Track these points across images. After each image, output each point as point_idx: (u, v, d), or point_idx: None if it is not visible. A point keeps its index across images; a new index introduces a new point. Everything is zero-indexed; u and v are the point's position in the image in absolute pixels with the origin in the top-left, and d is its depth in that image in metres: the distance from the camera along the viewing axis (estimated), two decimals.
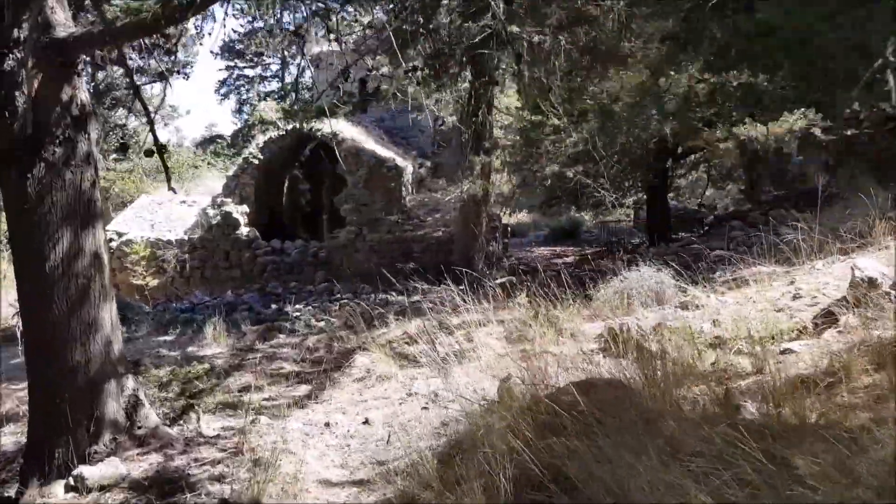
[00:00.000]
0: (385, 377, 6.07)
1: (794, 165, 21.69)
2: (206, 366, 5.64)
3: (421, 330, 7.64)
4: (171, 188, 4.47)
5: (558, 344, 6.21)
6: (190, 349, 8.66)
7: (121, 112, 32.31)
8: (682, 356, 4.82)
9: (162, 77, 5.03)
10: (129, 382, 4.03)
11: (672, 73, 7.78)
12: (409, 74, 5.82)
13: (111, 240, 14.92)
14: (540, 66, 8.83)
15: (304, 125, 13.80)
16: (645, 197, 14.49)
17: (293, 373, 6.98)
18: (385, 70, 6.69)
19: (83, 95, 3.75)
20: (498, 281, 10.23)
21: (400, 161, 14.46)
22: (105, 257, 3.95)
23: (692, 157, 17.84)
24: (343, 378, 6.35)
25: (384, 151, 14.63)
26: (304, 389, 6.28)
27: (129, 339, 9.57)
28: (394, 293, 10.15)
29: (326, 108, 8.07)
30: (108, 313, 3.91)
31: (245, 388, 6.54)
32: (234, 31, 34.60)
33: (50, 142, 3.57)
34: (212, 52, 34.50)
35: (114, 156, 30.50)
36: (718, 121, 7.90)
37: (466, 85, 8.68)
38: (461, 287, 10.01)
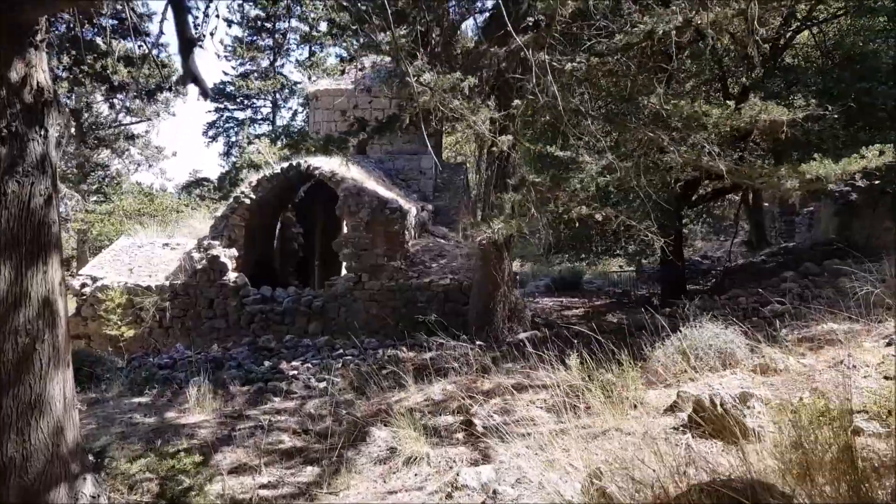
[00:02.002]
0: (414, 459, 4.89)
1: (802, 216, 21.11)
2: (196, 457, 4.38)
3: (448, 395, 6.48)
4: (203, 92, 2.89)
5: (624, 417, 5.10)
6: (169, 415, 7.39)
7: (105, 154, 31.27)
8: (800, 439, 3.73)
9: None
10: (88, 486, 2.85)
11: (728, 102, 6.94)
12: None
13: (84, 285, 13.64)
14: (572, 94, 7.98)
15: (303, 162, 12.85)
16: (661, 245, 13.59)
17: (295, 449, 5.77)
18: (428, 77, 5.71)
19: (42, 77, 2.70)
20: (521, 336, 9.15)
21: (403, 203, 13.49)
22: (61, 305, 2.83)
23: (698, 206, 17.16)
24: (359, 458, 5.15)
25: (386, 193, 13.67)
26: (311, 473, 5.07)
27: (97, 401, 8.26)
28: (404, 348, 8.99)
29: (334, 139, 7.07)
30: (61, 386, 2.76)
31: (237, 469, 5.32)
32: (225, 73, 34.02)
33: None
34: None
35: (94, 197, 29.29)
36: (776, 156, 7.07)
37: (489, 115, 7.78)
38: (482, 342, 8.90)
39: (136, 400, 8.19)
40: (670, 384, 5.92)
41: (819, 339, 6.25)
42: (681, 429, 4.66)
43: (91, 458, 3.20)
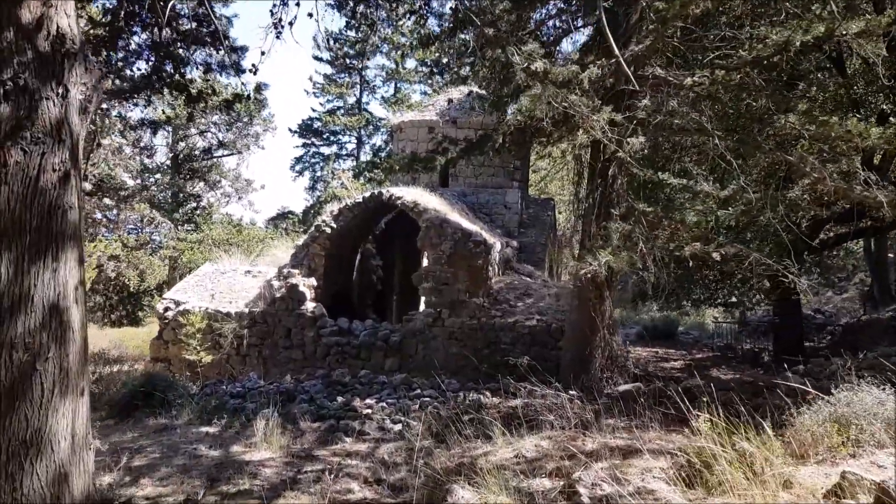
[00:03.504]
0: None
1: None
2: None
3: (542, 453, 5.55)
4: None
5: (774, 498, 4.02)
6: (234, 448, 6.84)
7: (201, 186, 32.43)
8: None
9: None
10: None
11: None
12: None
13: (167, 308, 13.58)
14: (690, 112, 7.06)
15: (385, 192, 12.41)
16: (803, 289, 12.13)
17: (365, 502, 5.01)
18: (539, 65, 4.95)
19: (64, 22, 2.16)
20: (622, 387, 8.08)
21: (487, 237, 12.75)
22: (75, 315, 2.22)
23: (815, 254, 15.46)
24: None
25: (469, 225, 12.99)
26: None
27: (166, 428, 7.86)
28: (487, 392, 8.12)
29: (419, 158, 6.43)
30: (68, 420, 2.13)
31: None
32: (313, 110, 34.95)
33: None
34: (290, 129, 34.74)
35: (186, 227, 30.26)
36: None
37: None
38: (576, 392, 7.90)
39: (204, 429, 7.74)
40: (824, 460, 4.78)
41: None
42: None
43: None
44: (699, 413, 5.34)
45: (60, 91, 2.16)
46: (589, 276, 6.58)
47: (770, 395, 8.01)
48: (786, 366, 10.17)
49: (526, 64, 4.93)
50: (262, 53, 3.86)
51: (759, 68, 7.28)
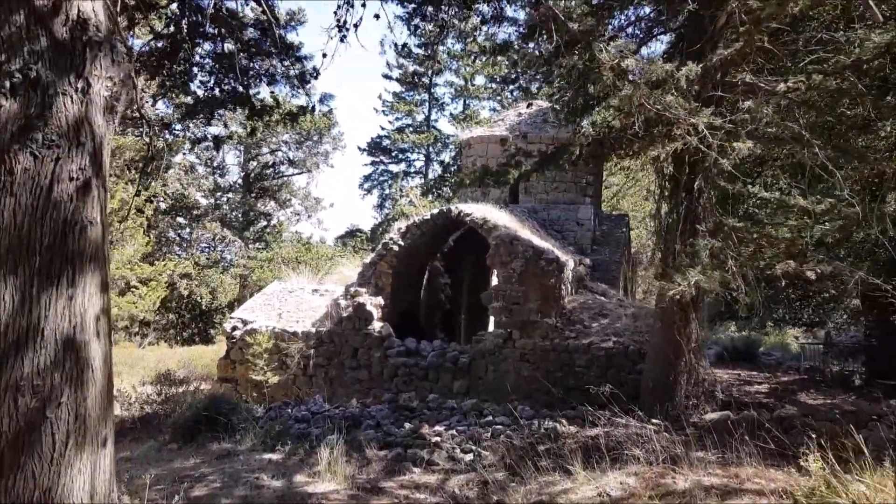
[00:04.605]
0: None
1: None
2: None
3: (628, 492, 4.99)
4: None
5: None
6: (297, 478, 6.57)
7: (272, 205, 33.12)
8: None
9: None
10: None
11: None
12: None
13: (235, 328, 13.61)
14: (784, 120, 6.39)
15: (454, 208, 12.08)
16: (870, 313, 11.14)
17: None
18: (631, 62, 4.47)
19: (88, 6, 1.87)
20: (709, 416, 7.37)
21: (560, 254, 12.19)
22: (96, 351, 1.91)
23: None
24: None
25: (541, 243, 12.47)
26: None
27: (228, 454, 7.69)
28: (563, 420, 7.56)
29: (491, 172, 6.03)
30: (85, 477, 1.81)
31: None
32: (382, 128, 35.26)
33: None
34: (359, 147, 35.15)
35: (256, 245, 30.90)
36: None
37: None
38: (660, 422, 7.27)
39: (267, 456, 7.53)
40: None
41: None
42: None
43: None
44: (807, 451, 4.72)
45: (80, 86, 1.87)
46: (677, 297, 5.99)
47: (880, 425, 7.14)
48: (888, 392, 9.21)
49: (616, 61, 4.45)
50: (325, 56, 3.61)
51: (857, 73, 6.60)
